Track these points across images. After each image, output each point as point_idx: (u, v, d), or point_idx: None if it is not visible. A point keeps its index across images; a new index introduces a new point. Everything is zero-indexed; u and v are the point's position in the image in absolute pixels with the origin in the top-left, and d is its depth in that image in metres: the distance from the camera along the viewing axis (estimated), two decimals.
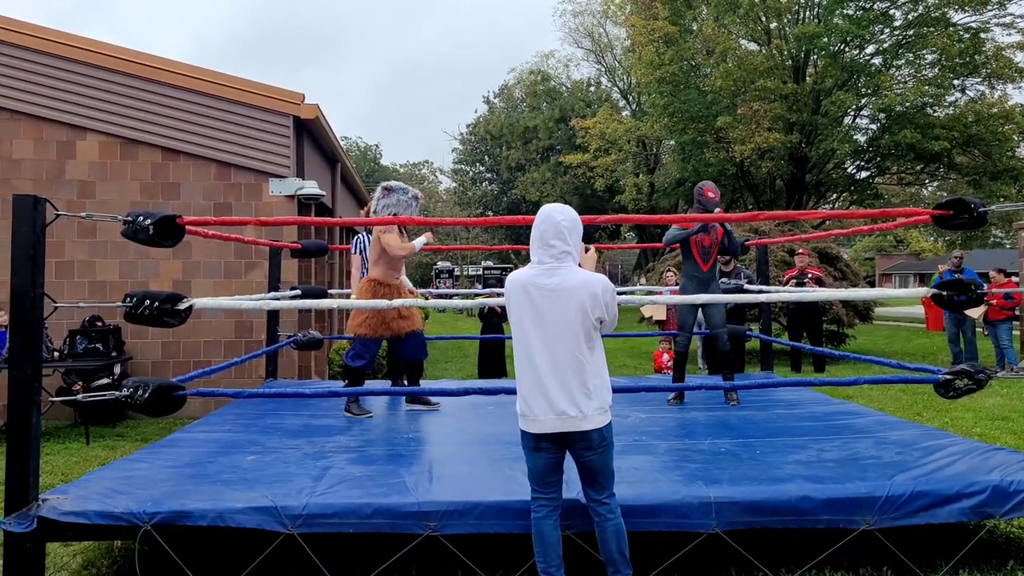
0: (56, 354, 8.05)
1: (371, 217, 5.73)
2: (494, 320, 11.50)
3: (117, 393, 3.81)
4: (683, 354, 6.53)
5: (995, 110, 20.57)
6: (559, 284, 3.23)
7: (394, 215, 5.81)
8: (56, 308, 3.73)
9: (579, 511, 3.52)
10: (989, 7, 20.35)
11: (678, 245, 6.49)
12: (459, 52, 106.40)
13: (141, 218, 3.92)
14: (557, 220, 3.28)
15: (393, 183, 5.97)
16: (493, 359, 11.34)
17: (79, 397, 3.92)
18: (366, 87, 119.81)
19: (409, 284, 6.34)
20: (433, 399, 6.21)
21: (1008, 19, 20.64)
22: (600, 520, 3.32)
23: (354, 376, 5.99)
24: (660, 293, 9.81)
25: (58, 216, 3.79)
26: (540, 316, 3.23)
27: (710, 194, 6.22)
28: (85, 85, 8.65)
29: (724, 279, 9.10)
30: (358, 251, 6.71)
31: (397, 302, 4.74)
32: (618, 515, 3.33)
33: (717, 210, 6.28)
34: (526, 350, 3.26)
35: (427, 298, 9.12)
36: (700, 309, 7.07)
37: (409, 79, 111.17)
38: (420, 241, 5.88)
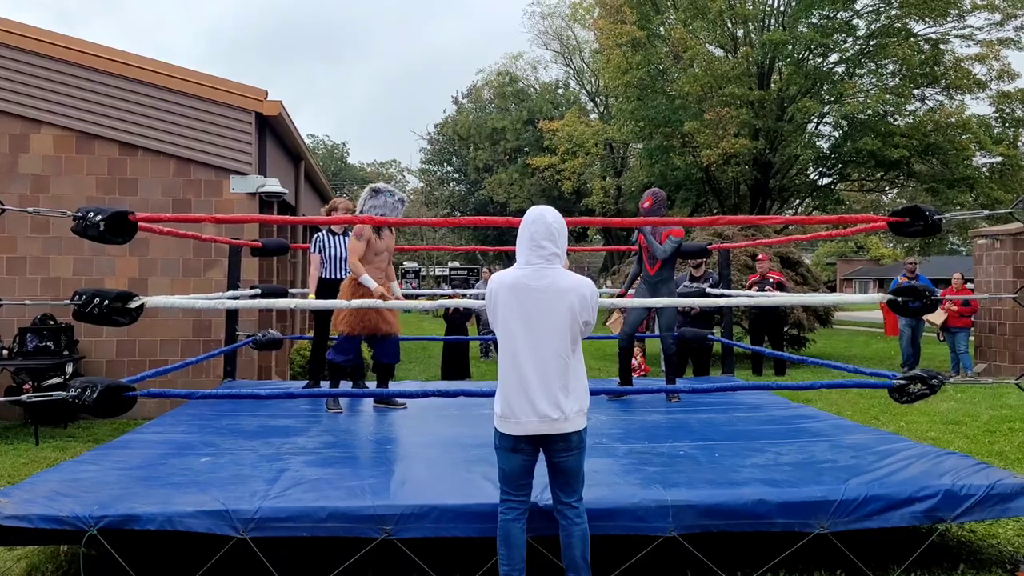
0: (5, 352, 7.84)
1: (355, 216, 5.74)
2: (458, 321, 11.45)
3: (64, 393, 3.71)
4: (626, 350, 6.69)
5: (953, 120, 20.98)
6: (550, 286, 3.21)
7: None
8: (1, 305, 3.62)
9: (538, 514, 3.50)
10: (949, 19, 20.80)
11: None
12: (432, 53, 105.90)
13: (92, 214, 3.83)
14: (548, 221, 3.27)
15: (381, 185, 6.00)
16: (457, 360, 11.29)
17: (25, 397, 3.81)
18: (338, 85, 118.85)
19: (398, 291, 6.34)
20: (400, 400, 6.21)
21: (967, 31, 21.14)
22: (567, 524, 3.30)
23: (333, 371, 6.19)
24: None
25: (4, 211, 3.68)
26: (529, 317, 3.20)
27: (644, 205, 6.40)
28: (40, 77, 8.42)
29: (694, 283, 9.15)
30: (317, 250, 6.59)
31: (366, 302, 4.84)
32: (585, 520, 3.32)
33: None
34: (512, 351, 3.23)
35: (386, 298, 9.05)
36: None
37: (382, 79, 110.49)
38: (370, 282, 5.74)
